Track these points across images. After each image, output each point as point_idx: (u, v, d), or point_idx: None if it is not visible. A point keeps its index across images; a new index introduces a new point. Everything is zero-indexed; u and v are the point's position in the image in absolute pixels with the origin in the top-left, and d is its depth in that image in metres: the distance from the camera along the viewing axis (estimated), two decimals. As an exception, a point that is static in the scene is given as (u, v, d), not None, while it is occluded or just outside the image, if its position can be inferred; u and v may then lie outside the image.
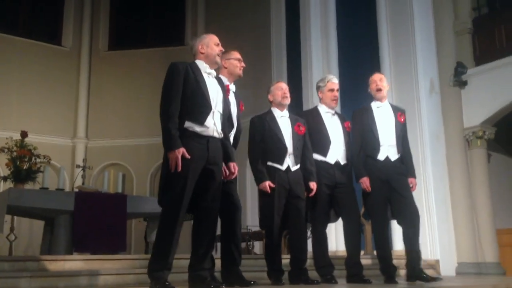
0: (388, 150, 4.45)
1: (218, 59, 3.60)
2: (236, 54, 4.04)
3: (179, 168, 3.21)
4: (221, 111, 3.52)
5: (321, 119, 4.47)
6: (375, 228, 4.47)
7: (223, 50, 3.65)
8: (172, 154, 3.23)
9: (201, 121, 3.37)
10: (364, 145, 4.48)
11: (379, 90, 4.59)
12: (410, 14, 7.49)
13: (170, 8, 11.77)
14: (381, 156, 4.43)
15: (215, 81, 3.61)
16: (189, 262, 3.42)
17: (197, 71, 3.49)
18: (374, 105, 4.62)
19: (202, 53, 3.58)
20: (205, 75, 3.52)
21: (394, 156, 4.46)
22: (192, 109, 3.36)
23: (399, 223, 4.48)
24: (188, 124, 3.35)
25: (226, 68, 3.99)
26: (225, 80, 3.92)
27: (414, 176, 4.57)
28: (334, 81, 4.61)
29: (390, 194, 4.40)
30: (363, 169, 4.43)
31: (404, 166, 4.50)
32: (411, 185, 4.49)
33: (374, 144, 4.43)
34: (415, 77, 7.29)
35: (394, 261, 4.47)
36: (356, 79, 7.56)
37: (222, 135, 3.52)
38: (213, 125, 3.42)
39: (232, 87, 4.02)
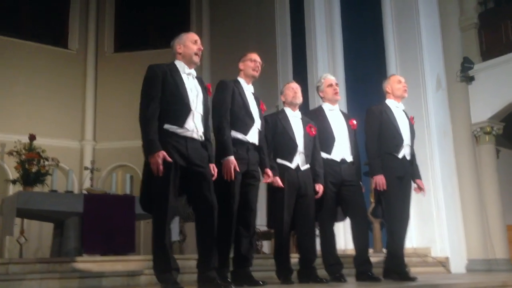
0: (406, 149, 4.46)
1: (195, 58, 3.50)
2: (251, 56, 4.00)
3: (161, 173, 3.18)
4: (201, 113, 3.46)
5: (325, 117, 4.48)
6: (394, 225, 4.40)
7: (202, 48, 3.56)
8: (152, 158, 3.18)
9: (180, 123, 3.33)
10: (385, 142, 4.45)
11: (406, 90, 4.61)
12: (415, 10, 7.46)
13: (175, 9, 11.79)
14: (401, 154, 4.42)
15: (196, 82, 3.53)
16: (196, 263, 3.42)
17: (175, 72, 3.43)
18: (391, 104, 4.60)
19: (179, 53, 3.52)
20: (184, 76, 3.46)
21: (408, 156, 4.49)
22: (171, 111, 3.32)
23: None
24: (167, 126, 3.31)
25: (242, 70, 4.01)
26: (243, 82, 3.95)
27: (420, 177, 4.60)
28: (330, 77, 4.64)
29: None
30: (380, 167, 4.40)
31: (412, 167, 4.53)
32: (420, 187, 4.52)
33: (398, 141, 4.42)
34: (421, 73, 7.26)
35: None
36: (362, 77, 7.56)
37: (203, 137, 3.46)
38: (193, 127, 3.38)
39: (250, 88, 4.01)
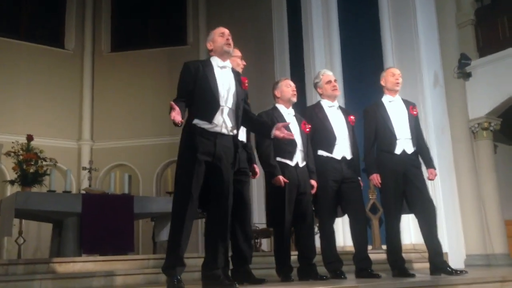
0: (404, 143, 4.44)
1: (226, 48, 3.52)
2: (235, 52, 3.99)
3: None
4: (231, 106, 3.46)
5: (325, 114, 4.46)
6: (386, 221, 4.47)
7: (230, 38, 3.56)
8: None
9: (209, 118, 3.36)
10: (380, 140, 4.48)
11: (398, 83, 4.59)
12: (412, 7, 7.47)
13: (172, 8, 11.77)
14: (398, 150, 4.42)
15: (230, 75, 3.55)
16: (203, 260, 3.42)
17: (208, 68, 3.47)
18: (385, 99, 4.60)
19: (211, 50, 3.57)
20: (217, 70, 3.49)
21: (410, 149, 4.45)
22: (200, 106, 3.37)
23: (416, 216, 4.45)
24: (196, 121, 3.35)
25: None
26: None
27: (433, 166, 4.56)
28: (328, 73, 4.62)
29: (406, 188, 4.39)
30: (374, 166, 4.43)
31: (418, 159, 4.51)
32: (431, 175, 4.50)
33: (390, 139, 4.42)
34: (418, 70, 7.26)
35: (403, 255, 4.46)
36: (360, 74, 7.56)
37: (234, 132, 3.48)
38: (221, 122, 3.40)
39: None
